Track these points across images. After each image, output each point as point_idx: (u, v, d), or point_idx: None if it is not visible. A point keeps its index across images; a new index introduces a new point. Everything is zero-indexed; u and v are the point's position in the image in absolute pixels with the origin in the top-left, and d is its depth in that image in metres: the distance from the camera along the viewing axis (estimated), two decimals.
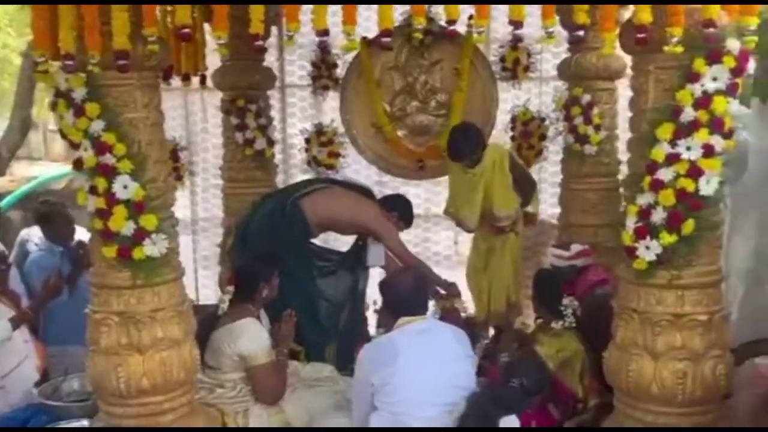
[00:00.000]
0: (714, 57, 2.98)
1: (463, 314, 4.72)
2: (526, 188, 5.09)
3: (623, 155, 4.62)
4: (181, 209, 6.28)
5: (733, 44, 2.99)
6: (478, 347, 4.43)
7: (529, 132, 5.49)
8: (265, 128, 5.41)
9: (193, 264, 6.58)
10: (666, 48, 2.98)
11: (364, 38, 4.94)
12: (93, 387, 3.46)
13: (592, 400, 3.75)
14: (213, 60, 5.11)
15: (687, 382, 3.13)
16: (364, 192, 4.79)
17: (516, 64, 5.40)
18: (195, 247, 6.63)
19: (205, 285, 6.64)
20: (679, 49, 2.97)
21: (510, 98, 5.66)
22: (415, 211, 5.10)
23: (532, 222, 5.17)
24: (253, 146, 5.36)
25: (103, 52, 3.05)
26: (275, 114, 5.97)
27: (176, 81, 4.86)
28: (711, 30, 2.93)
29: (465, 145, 4.80)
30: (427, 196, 6.30)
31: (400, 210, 4.78)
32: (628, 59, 4.42)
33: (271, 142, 5.47)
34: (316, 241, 4.83)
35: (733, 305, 4.48)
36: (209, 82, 5.26)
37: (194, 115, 6.45)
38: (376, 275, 4.94)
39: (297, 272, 4.45)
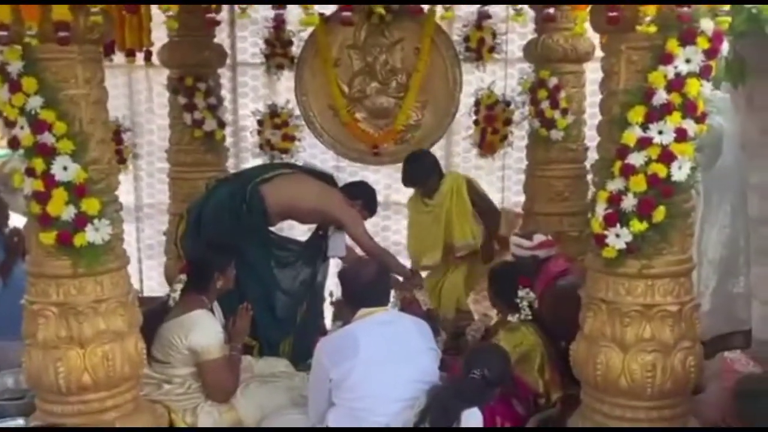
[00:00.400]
0: (687, 37, 3.01)
1: (424, 307, 4.75)
2: (490, 217, 5.18)
3: (591, 141, 4.68)
4: (124, 195, 6.15)
5: (707, 25, 3.02)
6: (440, 340, 4.45)
7: (493, 116, 5.53)
8: (215, 109, 5.35)
9: (137, 253, 6.53)
10: (638, 27, 3.02)
11: (321, 14, 4.91)
12: (29, 384, 3.39)
13: (555, 394, 3.80)
14: (159, 35, 5.04)
15: (656, 374, 3.17)
16: (327, 179, 4.77)
17: (480, 45, 5.42)
18: (139, 235, 6.58)
19: (149, 276, 6.59)
20: (652, 28, 3.00)
21: (474, 80, 5.69)
22: None
23: (505, 246, 5.11)
24: (202, 128, 5.30)
25: (42, 23, 2.97)
26: (226, 94, 5.92)
27: (119, 57, 4.78)
28: (684, 9, 2.97)
29: (420, 170, 5.03)
30: (387, 182, 6.33)
31: (364, 198, 4.78)
32: (596, 41, 4.50)
33: (221, 124, 5.41)
34: (273, 229, 4.79)
35: (705, 296, 4.57)
36: (155, 59, 5.18)
37: (138, 94, 6.38)
38: (333, 267, 4.94)
39: (254, 262, 4.42)
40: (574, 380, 3.55)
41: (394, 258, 4.90)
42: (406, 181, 5.16)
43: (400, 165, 5.81)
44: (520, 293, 3.85)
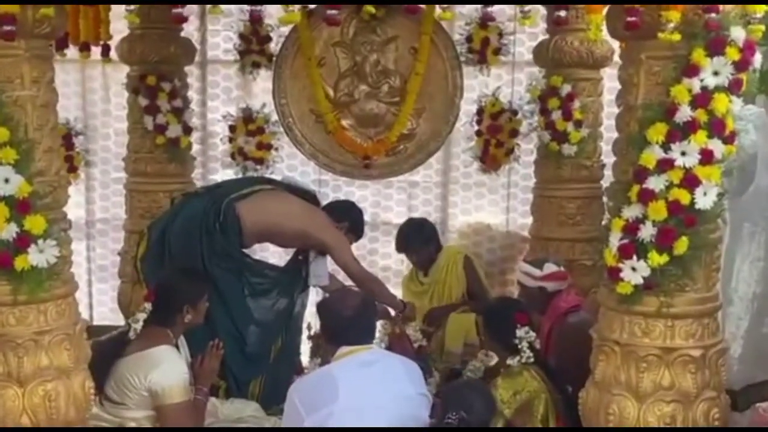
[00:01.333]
0: (716, 47, 3.06)
1: (415, 344, 4.77)
2: (478, 303, 5.22)
3: (608, 157, 4.72)
4: (73, 208, 6.17)
5: (738, 33, 3.07)
6: (432, 382, 4.47)
7: (498, 127, 5.56)
8: (181, 112, 5.38)
9: (87, 276, 6.51)
10: (661, 35, 3.06)
11: (304, 7, 4.94)
12: None
13: None
14: (119, 26, 5.06)
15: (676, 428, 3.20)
16: (309, 197, 4.79)
17: (485, 46, 5.45)
18: (90, 255, 6.56)
19: (101, 302, 6.58)
20: (676, 36, 3.05)
21: (477, 86, 5.74)
22: None
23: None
24: (165, 134, 5.32)
25: None
26: (193, 95, 5.94)
27: (73, 51, 4.80)
28: (713, 16, 3.02)
29: (416, 237, 5.33)
30: (376, 199, 6.36)
31: (350, 220, 4.83)
32: (616, 44, 4.55)
33: (187, 129, 5.44)
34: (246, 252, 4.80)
35: (736, 338, 4.59)
36: (113, 54, 5.20)
37: (93, 94, 6.39)
38: (312, 295, 4.96)
39: (224, 290, 4.41)
40: None
41: (384, 287, 4.92)
42: (401, 246, 5.46)
43: (391, 180, 5.88)
44: (519, 333, 3.85)
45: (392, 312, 4.82)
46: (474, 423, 3.09)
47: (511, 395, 3.70)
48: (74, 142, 5.62)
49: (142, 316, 3.81)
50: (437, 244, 5.45)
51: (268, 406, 4.27)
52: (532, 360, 3.84)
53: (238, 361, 4.43)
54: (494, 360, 4.58)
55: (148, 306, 3.83)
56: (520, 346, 3.83)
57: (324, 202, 5.01)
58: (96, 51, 4.94)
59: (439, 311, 5.31)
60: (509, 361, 3.86)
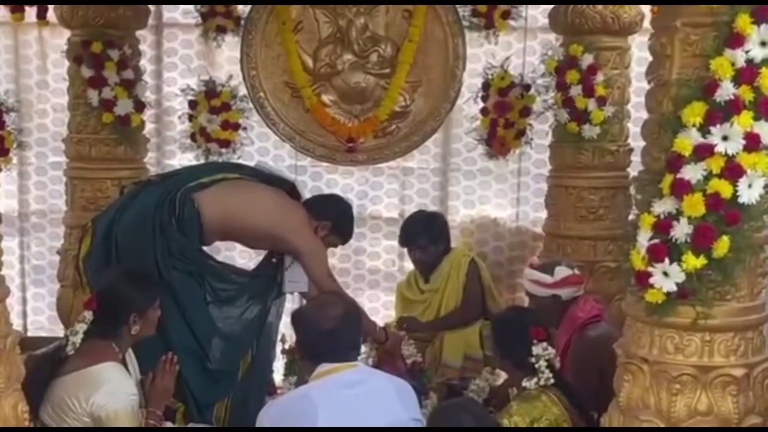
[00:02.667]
0: (763, 13, 3.07)
1: (409, 359, 4.78)
2: (464, 308, 5.32)
3: (636, 141, 4.74)
4: (4, 199, 6.19)
5: None
6: (428, 404, 4.48)
7: (506, 104, 5.59)
8: (132, 85, 5.40)
9: (21, 278, 6.51)
10: None
11: None
12: None
13: None
14: None
15: None
16: (286, 188, 4.76)
17: (492, 9, 5.48)
18: (23, 254, 6.55)
19: (36, 309, 6.58)
20: None
21: (482, 55, 5.77)
22: None
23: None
24: (113, 110, 5.33)
25: None
26: (147, 65, 5.94)
27: (2, 12, 4.79)
28: None
29: (424, 231, 5.33)
30: (362, 189, 6.38)
31: (335, 219, 4.76)
32: (646, 8, 4.57)
33: (139, 106, 5.45)
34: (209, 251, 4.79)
35: None
36: (51, 16, 5.19)
37: (28, 63, 6.38)
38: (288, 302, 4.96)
39: (182, 297, 4.40)
40: None
41: (363, 313, 4.82)
42: (404, 239, 5.48)
43: (380, 167, 5.88)
44: (535, 350, 3.85)
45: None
46: None
47: (528, 423, 3.70)
48: (5, 120, 5.61)
49: (81, 328, 3.79)
50: (446, 245, 5.46)
51: None
52: (551, 381, 3.83)
53: (198, 379, 4.42)
54: (501, 379, 4.62)
55: (88, 315, 3.82)
56: (537, 366, 3.83)
57: (306, 195, 4.96)
58: (31, 12, 4.93)
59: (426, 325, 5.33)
60: (525, 383, 3.84)
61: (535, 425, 3.72)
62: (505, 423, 3.70)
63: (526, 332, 3.90)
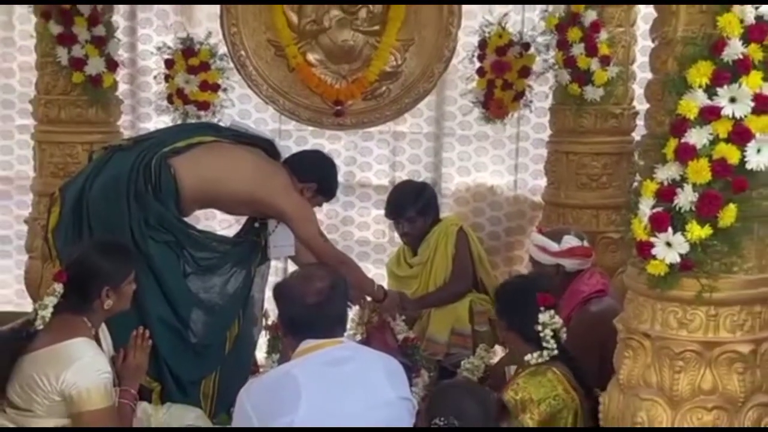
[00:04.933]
0: None
1: (399, 335, 4.81)
2: (455, 281, 5.35)
3: (641, 104, 4.76)
4: None
5: None
6: (418, 383, 4.52)
7: (504, 64, 5.58)
8: (104, 42, 5.39)
9: None
10: None
11: None
12: None
13: None
14: None
15: None
16: (265, 147, 4.77)
17: None
18: None
19: (3, 283, 6.59)
20: None
21: (478, 12, 5.79)
22: None
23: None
24: (84, 70, 5.33)
25: None
26: (120, 21, 5.93)
27: None
28: None
29: (411, 203, 5.37)
30: (350, 154, 6.40)
31: (319, 178, 4.77)
32: None
33: (112, 65, 5.44)
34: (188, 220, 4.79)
35: None
36: None
37: None
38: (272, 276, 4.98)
39: (161, 268, 4.42)
40: None
41: (359, 270, 4.93)
42: (391, 211, 5.50)
43: (370, 131, 5.89)
44: (542, 317, 3.86)
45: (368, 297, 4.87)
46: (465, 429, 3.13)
47: (538, 400, 3.74)
48: None
49: (51, 301, 3.79)
50: (435, 216, 5.49)
51: (219, 411, 4.37)
52: (555, 353, 3.85)
53: (178, 355, 4.44)
54: (496, 357, 4.65)
55: (59, 288, 3.83)
56: (542, 336, 3.85)
57: (285, 155, 4.98)
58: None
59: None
60: (528, 357, 3.87)
61: (541, 407, 3.74)
62: (511, 399, 3.75)
63: (533, 299, 3.91)
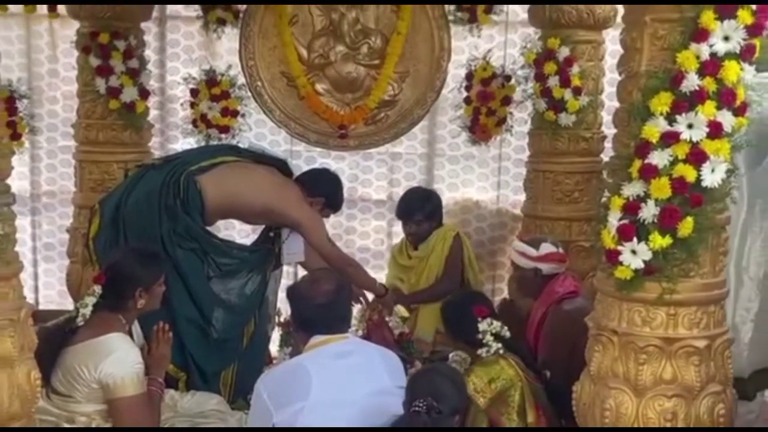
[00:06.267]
0: (726, 10, 3.09)
1: (395, 330, 4.82)
2: (444, 282, 5.35)
3: (609, 129, 4.77)
4: (17, 180, 6.17)
5: None
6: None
7: (489, 93, 5.59)
8: (137, 73, 5.40)
9: (32, 255, 6.51)
10: None
11: None
12: None
13: None
14: None
15: (677, 424, 3.27)
16: (279, 166, 4.80)
17: (475, 3, 5.49)
18: (35, 232, 6.55)
19: (47, 284, 6.58)
20: None
21: (466, 48, 5.78)
22: None
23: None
24: (120, 98, 5.33)
25: None
26: (151, 55, 5.94)
27: (16, 5, 4.79)
28: None
29: (420, 208, 5.37)
30: (353, 172, 6.38)
31: (327, 193, 4.82)
32: (620, 5, 4.58)
33: (144, 93, 5.45)
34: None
35: (746, 322, 4.65)
36: (61, 8, 5.19)
37: (39, 53, 6.36)
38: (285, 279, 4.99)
39: (185, 272, 4.44)
40: (567, 423, 3.67)
41: (363, 271, 4.96)
42: (401, 213, 5.47)
43: (370, 152, 5.90)
44: (481, 326, 3.98)
45: (369, 297, 4.88)
46: (444, 410, 3.11)
47: (486, 383, 3.88)
48: (18, 107, 5.62)
49: (91, 301, 3.83)
50: (438, 221, 5.49)
51: (236, 398, 4.36)
52: (501, 351, 3.96)
53: (202, 349, 4.46)
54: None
55: (97, 289, 3.85)
56: (485, 341, 3.95)
57: (297, 173, 5.00)
58: (42, 5, 4.93)
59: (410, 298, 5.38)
60: (479, 352, 3.99)
61: (492, 386, 3.88)
62: (469, 383, 3.81)
63: (470, 312, 4.02)
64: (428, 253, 5.39)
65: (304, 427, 3.19)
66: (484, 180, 6.38)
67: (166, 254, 4.31)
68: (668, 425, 3.27)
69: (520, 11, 5.86)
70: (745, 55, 3.14)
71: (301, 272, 5.35)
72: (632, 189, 3.22)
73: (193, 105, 5.77)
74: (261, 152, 4.91)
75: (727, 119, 3.15)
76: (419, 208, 5.40)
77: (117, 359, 3.69)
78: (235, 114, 5.72)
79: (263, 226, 4.95)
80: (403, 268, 5.52)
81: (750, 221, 4.60)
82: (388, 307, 4.88)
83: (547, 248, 4.59)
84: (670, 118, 3.16)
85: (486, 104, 5.60)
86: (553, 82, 5.15)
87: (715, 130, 3.14)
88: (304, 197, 4.70)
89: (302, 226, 4.66)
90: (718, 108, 3.14)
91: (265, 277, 4.74)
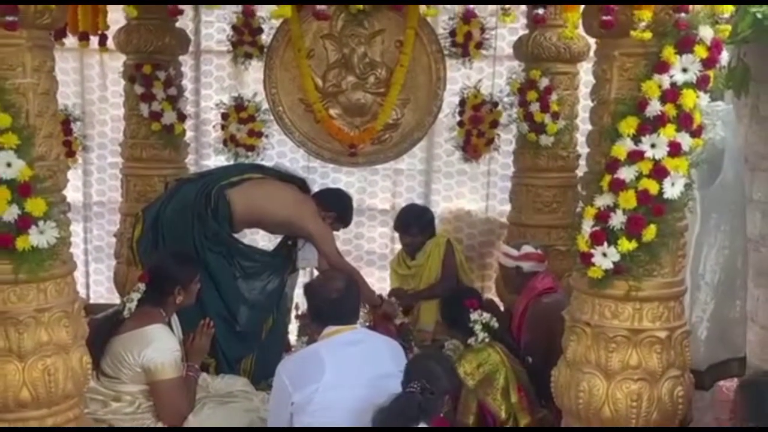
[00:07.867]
0: (685, 45, 3.11)
1: (397, 320, 4.83)
2: (441, 283, 5.33)
3: (583, 148, 4.77)
4: (71, 191, 6.18)
5: (706, 32, 3.12)
6: None
7: (479, 117, 5.59)
8: (175, 100, 5.39)
9: (84, 256, 6.52)
10: (633, 33, 3.10)
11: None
12: None
13: (524, 419, 3.98)
14: (116, 16, 5.06)
15: (642, 405, 3.27)
16: (299, 183, 4.83)
17: (467, 40, 5.47)
18: (87, 236, 6.57)
19: (97, 281, 6.60)
20: (648, 34, 3.10)
21: (459, 78, 5.78)
22: None
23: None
24: (160, 120, 5.33)
25: None
26: (187, 84, 5.96)
27: (72, 40, 4.80)
28: (682, 15, 3.07)
29: (416, 223, 5.44)
30: (361, 185, 6.39)
31: (339, 209, 4.85)
32: (592, 41, 4.59)
33: (181, 117, 5.45)
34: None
35: (703, 322, 4.64)
36: (110, 44, 5.20)
37: (91, 81, 6.38)
38: (302, 277, 5.00)
39: (215, 272, 4.46)
40: (547, 405, 3.64)
41: (364, 282, 4.92)
42: (399, 226, 5.54)
43: (376, 167, 5.91)
44: (473, 317, 4.02)
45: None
46: (436, 391, 3.11)
47: (475, 367, 3.93)
48: (72, 128, 5.62)
49: (136, 296, 3.86)
50: (432, 233, 5.52)
51: (258, 382, 4.33)
52: (488, 339, 4.01)
53: (228, 339, 4.48)
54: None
55: (142, 286, 3.88)
56: (475, 330, 3.99)
57: (314, 189, 5.02)
58: (94, 40, 4.93)
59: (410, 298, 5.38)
60: (470, 341, 4.03)
61: (480, 369, 3.94)
62: (460, 368, 3.87)
63: (463, 305, 4.08)
64: (426, 260, 5.42)
65: (304, 427, 3.20)
66: (474, 192, 6.38)
67: (198, 257, 4.33)
68: (633, 405, 3.27)
69: (506, 47, 5.87)
70: (701, 84, 3.15)
71: (317, 272, 5.35)
72: (603, 200, 3.23)
73: (223, 127, 5.75)
74: (284, 171, 4.95)
75: (685, 140, 3.16)
76: (415, 223, 5.46)
77: (158, 347, 3.71)
78: (259, 135, 5.71)
79: (282, 236, 4.96)
80: (403, 278, 5.54)
81: (705, 233, 4.60)
82: (384, 315, 4.88)
83: (527, 249, 4.62)
84: (636, 139, 3.17)
85: (477, 127, 5.60)
86: (535, 107, 5.15)
87: (675, 150, 3.15)
88: (319, 211, 4.73)
89: (315, 237, 4.69)
90: (678, 130, 3.15)
91: (283, 279, 4.77)
